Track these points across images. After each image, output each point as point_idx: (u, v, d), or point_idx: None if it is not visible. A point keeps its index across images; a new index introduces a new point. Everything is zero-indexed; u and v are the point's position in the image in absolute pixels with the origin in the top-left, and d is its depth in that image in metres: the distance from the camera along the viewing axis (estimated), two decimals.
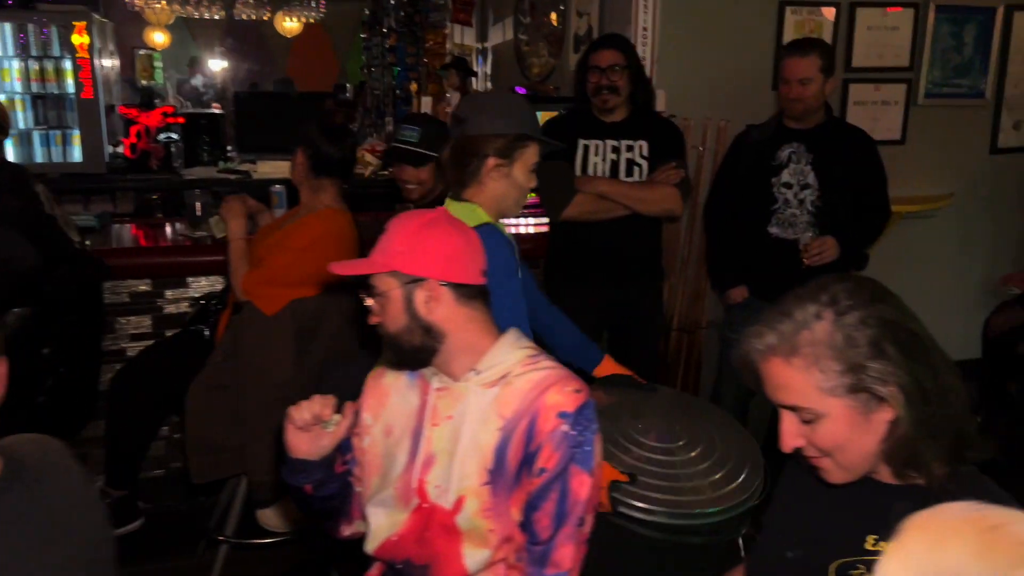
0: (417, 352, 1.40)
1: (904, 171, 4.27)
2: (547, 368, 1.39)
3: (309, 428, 1.38)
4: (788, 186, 2.85)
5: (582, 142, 2.85)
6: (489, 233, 1.78)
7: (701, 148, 3.55)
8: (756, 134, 2.95)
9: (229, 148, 5.27)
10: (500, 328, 1.47)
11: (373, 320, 1.42)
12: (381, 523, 1.46)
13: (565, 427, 1.31)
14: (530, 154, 1.93)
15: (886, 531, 1.18)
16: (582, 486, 1.32)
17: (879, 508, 1.17)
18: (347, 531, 1.58)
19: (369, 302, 1.41)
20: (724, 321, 3.15)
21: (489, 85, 4.88)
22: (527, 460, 1.33)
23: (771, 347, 1.12)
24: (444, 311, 1.38)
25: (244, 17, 8.49)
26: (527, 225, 3.35)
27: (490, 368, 1.40)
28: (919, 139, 4.18)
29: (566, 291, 2.73)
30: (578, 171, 2.85)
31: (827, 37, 3.90)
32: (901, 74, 4.09)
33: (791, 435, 1.14)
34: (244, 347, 2.47)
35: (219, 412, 2.47)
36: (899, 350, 1.08)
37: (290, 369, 2.44)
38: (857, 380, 1.08)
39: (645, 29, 3.39)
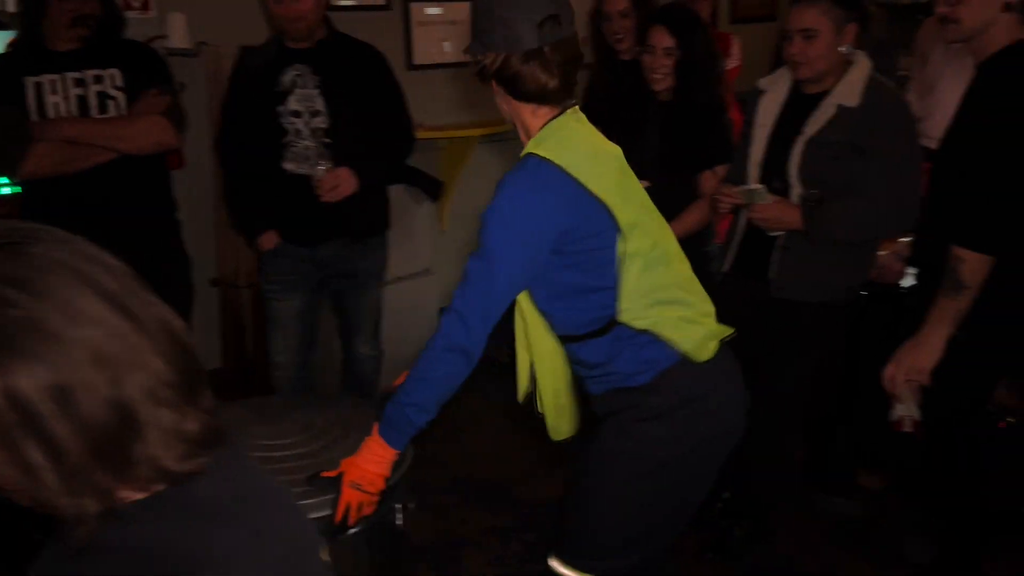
0: None
1: (480, 92, 4.23)
2: None
3: None
4: (297, 115, 2.55)
5: (31, 80, 2.33)
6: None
7: None
8: (253, 59, 2.62)
9: None
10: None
11: None
12: None
13: None
14: None
15: None
16: None
17: None
18: None
19: None
20: (259, 272, 2.84)
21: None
22: None
23: None
24: None
25: None
26: None
27: None
28: None
29: None
30: (34, 116, 2.34)
31: None
32: None
33: None
34: None
35: None
36: None
37: None
38: None
39: None
